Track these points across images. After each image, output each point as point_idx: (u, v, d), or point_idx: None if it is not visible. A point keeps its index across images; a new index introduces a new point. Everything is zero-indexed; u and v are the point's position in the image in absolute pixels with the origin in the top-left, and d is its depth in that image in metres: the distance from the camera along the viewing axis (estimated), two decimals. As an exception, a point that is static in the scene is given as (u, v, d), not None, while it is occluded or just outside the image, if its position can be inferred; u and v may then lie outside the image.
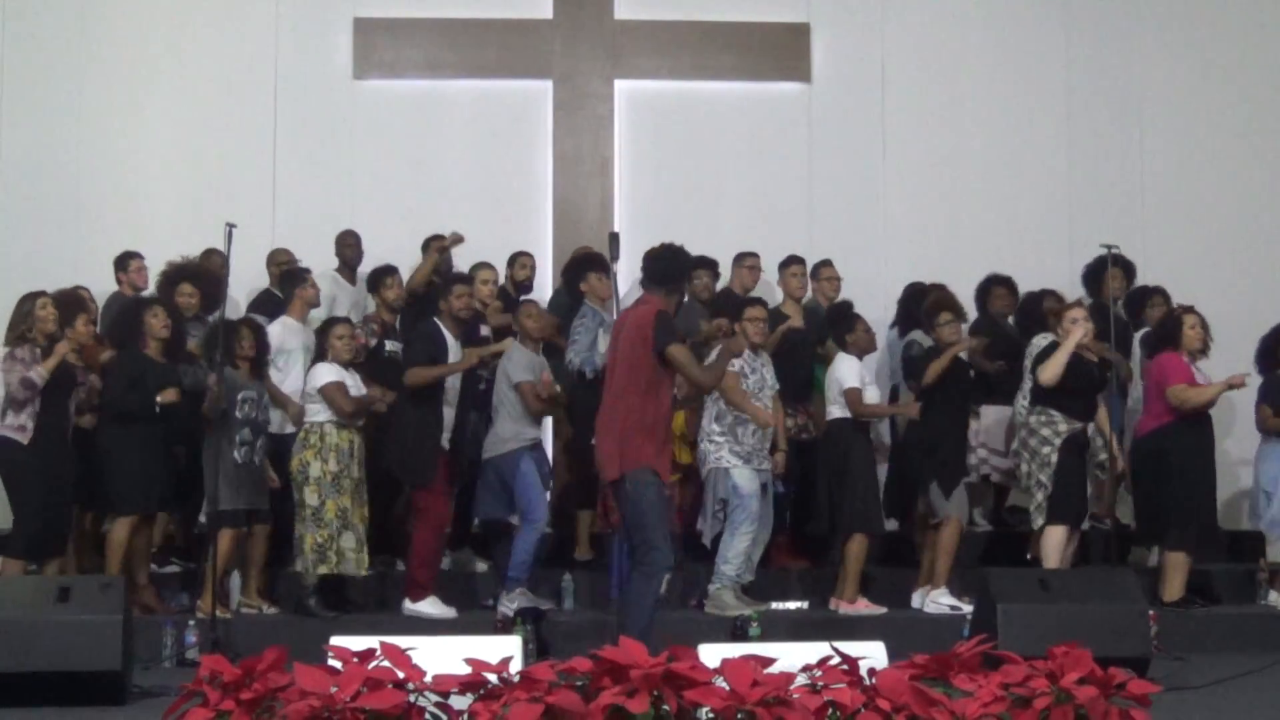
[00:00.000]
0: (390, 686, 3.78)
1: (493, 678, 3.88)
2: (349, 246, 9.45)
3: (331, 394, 7.78)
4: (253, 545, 7.90)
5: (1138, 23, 10.69)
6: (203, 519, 7.91)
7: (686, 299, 8.48)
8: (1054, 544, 7.84)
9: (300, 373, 8.23)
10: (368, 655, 3.91)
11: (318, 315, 8.73)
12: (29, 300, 7.49)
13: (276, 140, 10.24)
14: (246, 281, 9.25)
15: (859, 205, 10.45)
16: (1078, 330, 7.88)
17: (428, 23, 10.37)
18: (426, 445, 7.78)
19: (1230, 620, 8.05)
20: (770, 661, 3.98)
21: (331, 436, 7.78)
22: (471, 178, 10.30)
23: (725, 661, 3.92)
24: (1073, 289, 9.34)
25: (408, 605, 7.81)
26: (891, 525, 8.64)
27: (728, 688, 3.81)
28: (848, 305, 8.66)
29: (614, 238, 7.55)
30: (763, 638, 7.14)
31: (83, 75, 10.19)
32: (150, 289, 8.86)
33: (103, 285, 8.93)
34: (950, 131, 10.55)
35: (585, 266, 8.75)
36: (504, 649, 4.24)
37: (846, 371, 8.10)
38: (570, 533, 8.69)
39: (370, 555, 7.90)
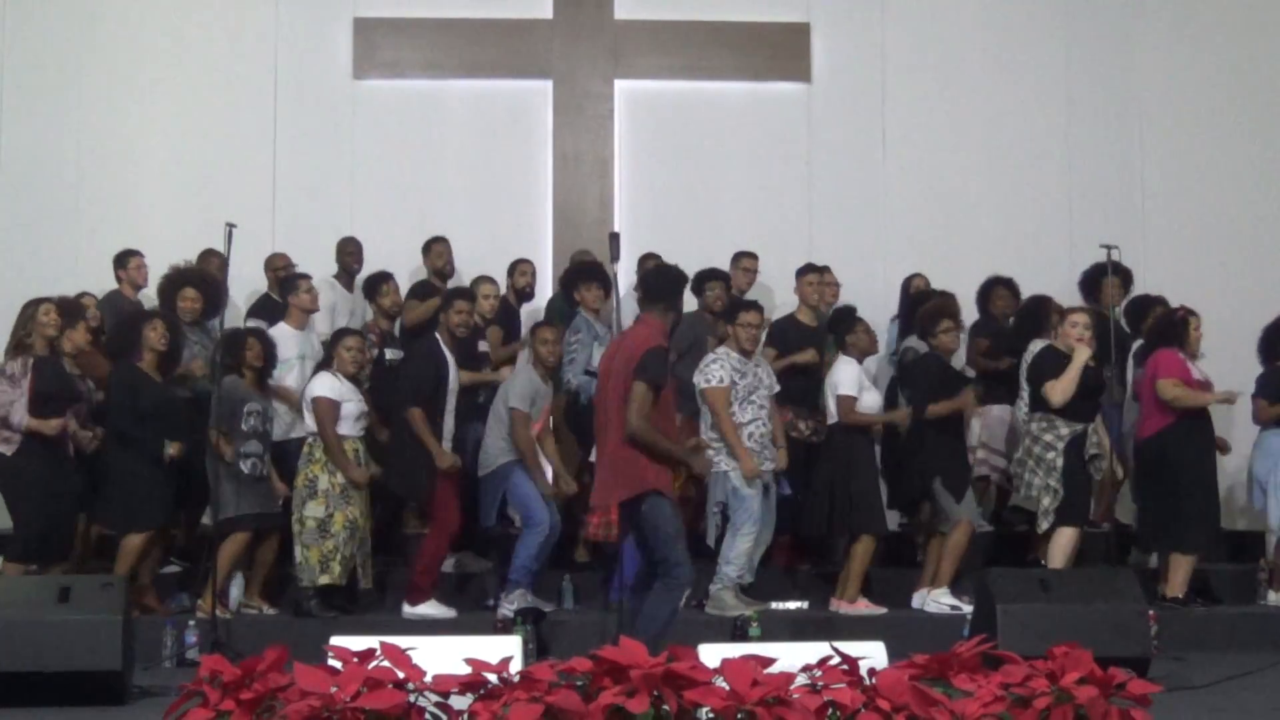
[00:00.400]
0: (390, 686, 3.78)
1: (493, 678, 3.88)
2: (349, 254, 9.43)
3: (321, 411, 7.75)
4: (263, 549, 7.89)
5: (1138, 23, 10.70)
6: (208, 520, 7.92)
7: (696, 308, 8.51)
8: (1064, 545, 7.84)
9: (295, 381, 8.23)
10: (368, 655, 3.91)
11: (316, 319, 8.76)
12: (32, 306, 7.50)
13: (276, 140, 10.24)
14: (246, 284, 9.26)
15: (859, 205, 10.46)
16: (1085, 350, 7.86)
17: (428, 23, 10.37)
18: (422, 465, 7.77)
19: (1230, 620, 8.05)
20: (770, 661, 3.98)
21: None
22: (471, 178, 10.30)
23: (725, 661, 3.92)
24: (1072, 289, 9.33)
25: (407, 609, 7.80)
26: (891, 525, 8.62)
27: (728, 688, 3.81)
28: (850, 309, 8.66)
29: (614, 238, 7.53)
30: (763, 638, 7.13)
31: (83, 75, 10.20)
32: (150, 289, 8.86)
33: (102, 285, 8.94)
34: (950, 132, 10.55)
35: (579, 277, 8.74)
36: (504, 649, 4.24)
37: (844, 377, 8.09)
38: (570, 533, 8.68)
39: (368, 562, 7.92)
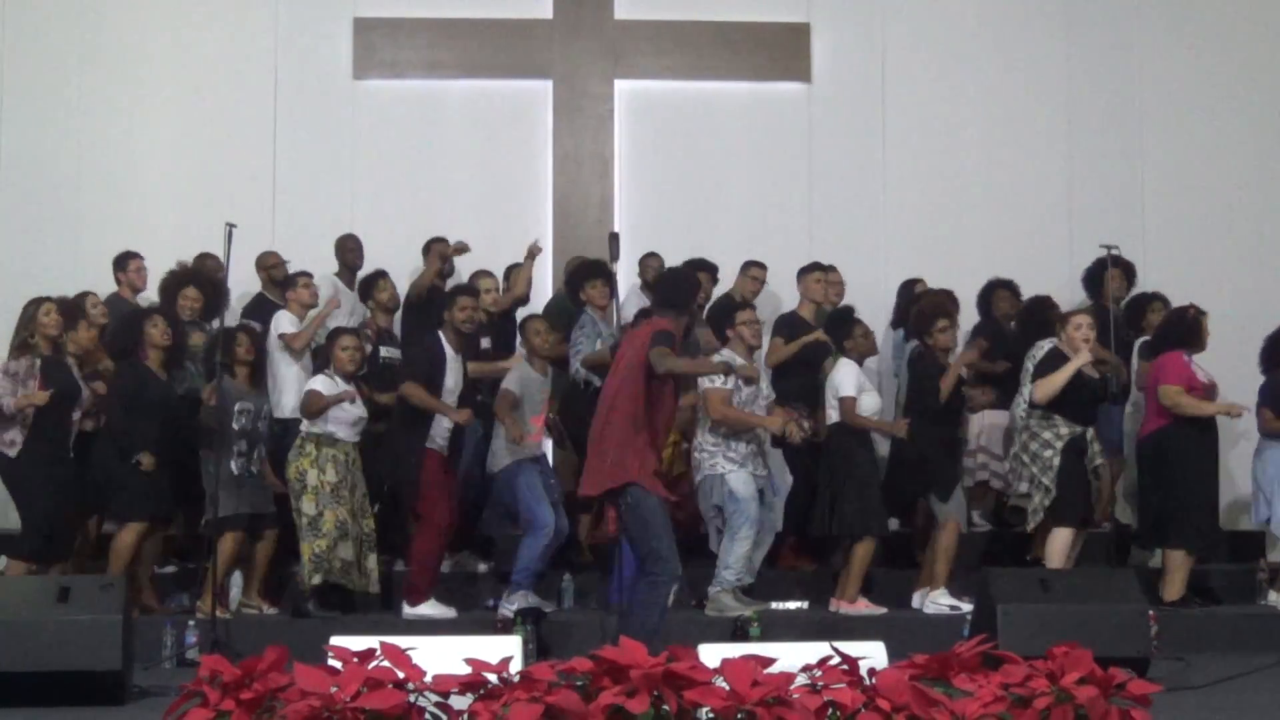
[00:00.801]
0: (390, 686, 3.78)
1: (493, 678, 3.88)
2: (350, 251, 9.44)
3: (310, 400, 7.74)
4: (259, 548, 7.89)
5: (1138, 23, 10.70)
6: (205, 522, 7.93)
7: None
8: (1061, 546, 7.83)
9: (294, 377, 8.24)
10: (368, 655, 3.91)
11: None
12: (34, 305, 7.50)
13: (276, 140, 10.25)
14: (246, 284, 9.25)
15: (859, 205, 10.46)
16: (1084, 353, 7.86)
17: (428, 23, 10.37)
18: (411, 453, 7.75)
19: (1230, 620, 8.04)
20: (770, 661, 3.98)
21: (329, 447, 7.76)
22: (471, 178, 10.30)
23: (725, 661, 3.92)
24: (1072, 290, 9.35)
25: (406, 609, 7.80)
26: (892, 525, 8.62)
27: (728, 688, 3.81)
28: (848, 310, 8.66)
29: (614, 238, 7.55)
30: (763, 638, 7.12)
31: (83, 75, 10.20)
32: (150, 290, 8.86)
33: (103, 286, 8.93)
34: (950, 132, 10.55)
35: (587, 274, 8.75)
36: (504, 649, 4.23)
37: (844, 378, 8.08)
38: (570, 534, 8.67)
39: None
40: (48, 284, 8.08)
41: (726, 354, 7.75)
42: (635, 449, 6.26)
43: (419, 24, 10.37)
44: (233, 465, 7.68)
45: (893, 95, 10.57)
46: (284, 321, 8.38)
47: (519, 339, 8.53)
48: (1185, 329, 8.33)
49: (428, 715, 3.83)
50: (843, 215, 10.39)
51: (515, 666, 3.99)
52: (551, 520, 7.88)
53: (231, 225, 7.19)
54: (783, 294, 9.57)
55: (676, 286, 6.68)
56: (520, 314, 9.00)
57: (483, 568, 8.55)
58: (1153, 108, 10.64)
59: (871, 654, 4.32)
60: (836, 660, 4.12)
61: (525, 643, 5.37)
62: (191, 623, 7.26)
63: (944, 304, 8.35)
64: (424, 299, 8.87)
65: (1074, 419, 7.92)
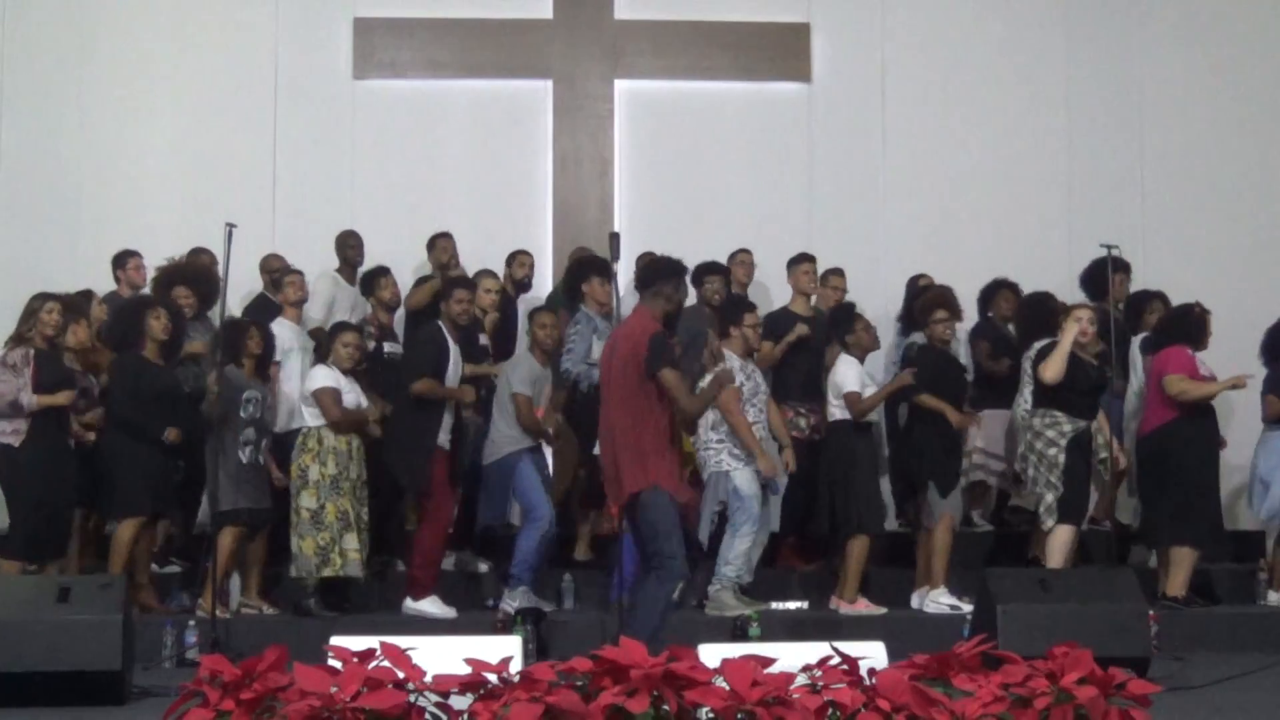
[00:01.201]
0: (390, 686, 3.78)
1: (493, 678, 3.87)
2: (351, 247, 9.44)
3: (325, 399, 7.76)
4: (252, 546, 7.90)
5: (1138, 23, 10.70)
6: (202, 518, 7.92)
7: (695, 302, 8.46)
8: (1063, 544, 7.83)
9: (297, 372, 8.25)
10: (368, 655, 3.90)
11: (318, 316, 8.77)
12: (39, 301, 7.50)
13: (276, 140, 10.24)
14: (245, 284, 9.24)
15: (859, 205, 10.45)
16: (1073, 326, 7.87)
17: (427, 23, 10.37)
18: (423, 449, 7.77)
19: (1230, 620, 8.05)
20: (770, 661, 3.97)
21: (330, 440, 7.77)
22: (471, 178, 10.30)
23: (725, 661, 3.92)
24: (1072, 289, 9.34)
25: (409, 604, 7.81)
26: (891, 525, 8.62)
27: (728, 688, 3.81)
28: (849, 306, 8.66)
29: (614, 238, 7.53)
30: (763, 638, 7.13)
31: (83, 75, 10.19)
32: (147, 290, 8.86)
33: (102, 285, 8.93)
34: (950, 132, 10.55)
35: (588, 269, 8.75)
36: (504, 649, 4.24)
37: (846, 374, 8.09)
38: (570, 533, 8.69)
39: (369, 555, 7.89)
40: (47, 282, 8.07)
41: (727, 363, 7.73)
42: (649, 451, 6.21)
43: (419, 24, 10.37)
44: (241, 454, 7.68)
45: (893, 95, 10.57)
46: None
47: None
48: (1190, 325, 8.34)
49: (428, 715, 3.83)
50: (843, 215, 10.39)
51: (515, 666, 3.99)
52: (550, 511, 7.90)
53: (231, 225, 7.17)
54: (782, 293, 9.55)
55: (653, 268, 6.62)
56: (520, 314, 9.02)
57: (483, 567, 8.55)
58: (1153, 108, 10.63)
59: (871, 654, 4.31)
60: (836, 660, 4.12)
61: (525, 642, 5.37)
62: (191, 622, 7.26)
63: (943, 296, 8.36)
64: (422, 310, 8.86)
65: (1076, 414, 7.92)
